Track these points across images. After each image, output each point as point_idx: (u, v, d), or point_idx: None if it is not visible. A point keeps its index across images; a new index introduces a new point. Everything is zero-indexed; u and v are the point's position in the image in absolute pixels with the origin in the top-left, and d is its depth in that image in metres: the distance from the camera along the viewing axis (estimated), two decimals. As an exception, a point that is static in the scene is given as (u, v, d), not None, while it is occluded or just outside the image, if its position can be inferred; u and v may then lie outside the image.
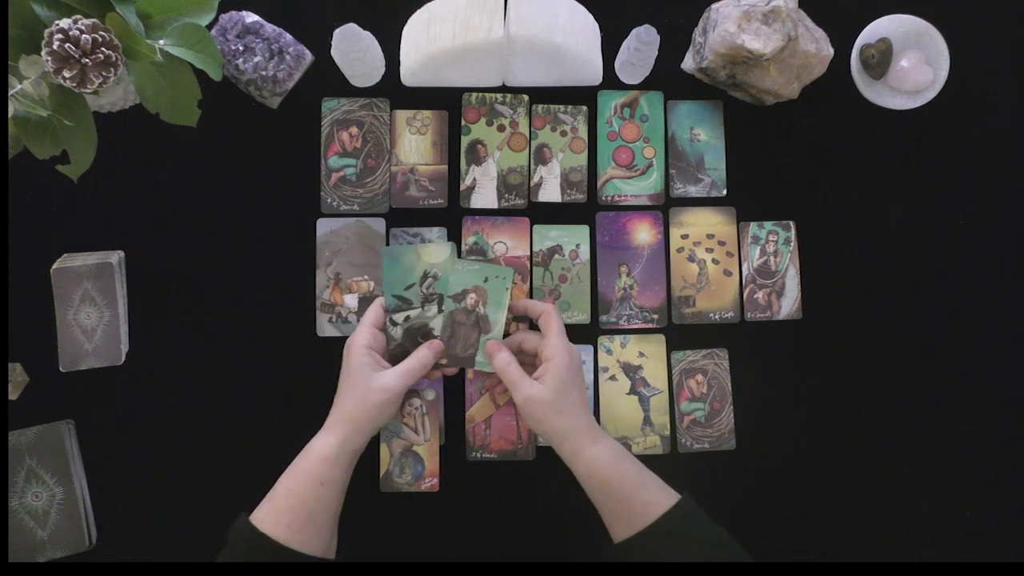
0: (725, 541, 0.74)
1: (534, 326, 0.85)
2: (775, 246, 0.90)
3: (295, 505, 0.73)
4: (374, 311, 0.80)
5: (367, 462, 0.84)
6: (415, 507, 0.85)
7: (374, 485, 0.85)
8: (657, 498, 0.74)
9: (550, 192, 0.90)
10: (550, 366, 0.78)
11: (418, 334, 0.81)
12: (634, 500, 0.74)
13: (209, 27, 0.79)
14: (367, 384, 0.76)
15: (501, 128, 0.90)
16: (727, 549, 0.74)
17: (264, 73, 0.86)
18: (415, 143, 0.90)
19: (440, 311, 0.82)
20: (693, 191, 0.91)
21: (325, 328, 0.87)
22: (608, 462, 0.76)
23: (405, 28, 0.88)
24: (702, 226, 0.91)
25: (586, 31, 0.87)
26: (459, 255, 0.84)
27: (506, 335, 0.84)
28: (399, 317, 0.81)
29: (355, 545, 0.85)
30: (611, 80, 0.91)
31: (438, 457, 0.85)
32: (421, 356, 0.79)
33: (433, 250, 0.83)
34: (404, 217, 0.89)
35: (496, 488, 0.87)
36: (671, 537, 0.73)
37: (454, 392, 0.87)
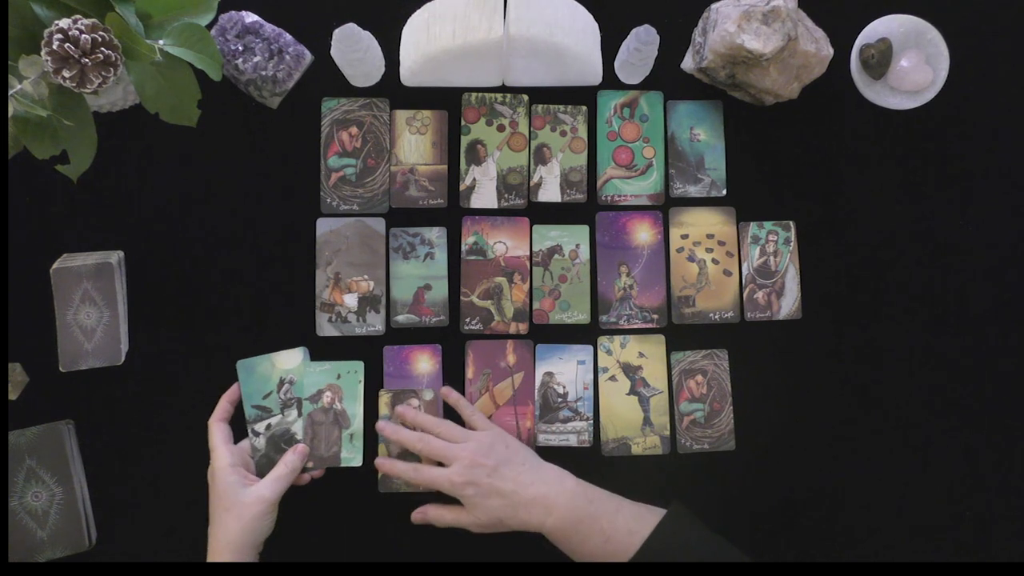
0: (717, 545, 0.75)
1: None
2: (775, 246, 0.90)
3: None
4: (219, 431, 0.81)
5: (366, 465, 0.84)
6: (414, 508, 0.85)
7: (373, 486, 0.85)
8: (624, 547, 0.75)
9: (550, 192, 0.90)
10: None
11: (281, 440, 0.83)
12: (600, 551, 0.75)
13: (209, 27, 0.79)
14: (241, 500, 0.76)
15: (501, 128, 0.90)
16: (720, 551, 0.74)
17: (264, 73, 0.86)
18: (415, 143, 0.90)
19: (300, 415, 0.84)
20: (693, 191, 0.91)
21: (325, 328, 0.87)
22: (569, 523, 0.76)
23: (405, 28, 0.88)
24: (702, 226, 0.90)
25: (586, 31, 0.87)
26: (311, 358, 0.86)
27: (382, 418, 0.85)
28: (260, 426, 0.83)
29: (354, 547, 0.86)
30: (611, 80, 0.91)
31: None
32: (288, 461, 0.80)
33: (286, 357, 0.85)
34: (404, 217, 0.89)
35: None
36: (662, 555, 0.73)
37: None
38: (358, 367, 0.85)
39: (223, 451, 0.79)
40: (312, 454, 0.83)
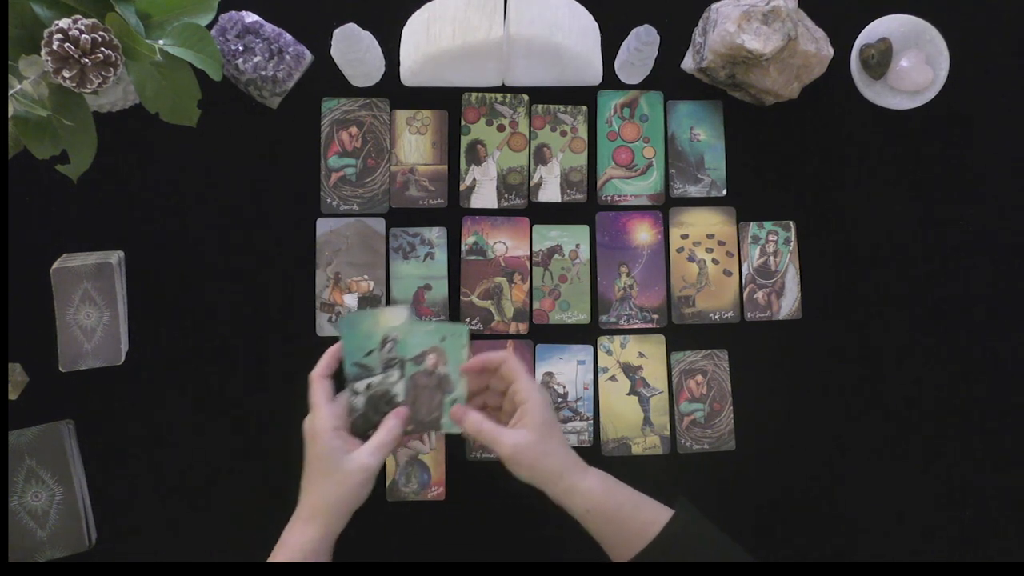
0: (724, 544, 0.74)
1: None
2: (775, 246, 0.90)
3: None
4: (321, 388, 0.75)
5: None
6: (421, 515, 0.84)
7: (380, 495, 0.85)
8: (653, 516, 0.74)
9: (550, 192, 0.90)
10: (527, 408, 0.74)
11: (380, 401, 0.77)
12: (632, 523, 0.74)
13: (209, 27, 0.79)
14: (343, 468, 0.72)
15: (501, 128, 0.90)
16: (727, 551, 0.74)
17: (264, 73, 0.86)
18: (415, 143, 0.90)
19: (402, 376, 0.78)
20: (693, 191, 0.91)
21: (325, 328, 0.87)
22: (602, 492, 0.74)
23: (405, 28, 0.88)
24: (702, 226, 0.91)
25: (586, 31, 0.87)
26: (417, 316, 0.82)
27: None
28: (360, 385, 0.77)
29: (361, 555, 0.85)
30: (611, 80, 0.91)
31: (444, 466, 0.85)
32: (391, 427, 0.75)
33: (391, 314, 0.79)
34: (404, 217, 0.89)
35: (498, 491, 0.86)
36: (671, 550, 0.73)
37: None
38: (463, 330, 0.79)
39: (326, 412, 0.74)
40: (412, 418, 0.78)
